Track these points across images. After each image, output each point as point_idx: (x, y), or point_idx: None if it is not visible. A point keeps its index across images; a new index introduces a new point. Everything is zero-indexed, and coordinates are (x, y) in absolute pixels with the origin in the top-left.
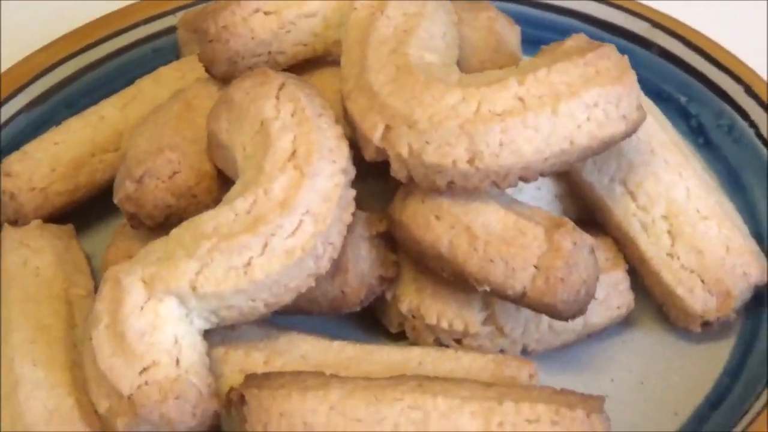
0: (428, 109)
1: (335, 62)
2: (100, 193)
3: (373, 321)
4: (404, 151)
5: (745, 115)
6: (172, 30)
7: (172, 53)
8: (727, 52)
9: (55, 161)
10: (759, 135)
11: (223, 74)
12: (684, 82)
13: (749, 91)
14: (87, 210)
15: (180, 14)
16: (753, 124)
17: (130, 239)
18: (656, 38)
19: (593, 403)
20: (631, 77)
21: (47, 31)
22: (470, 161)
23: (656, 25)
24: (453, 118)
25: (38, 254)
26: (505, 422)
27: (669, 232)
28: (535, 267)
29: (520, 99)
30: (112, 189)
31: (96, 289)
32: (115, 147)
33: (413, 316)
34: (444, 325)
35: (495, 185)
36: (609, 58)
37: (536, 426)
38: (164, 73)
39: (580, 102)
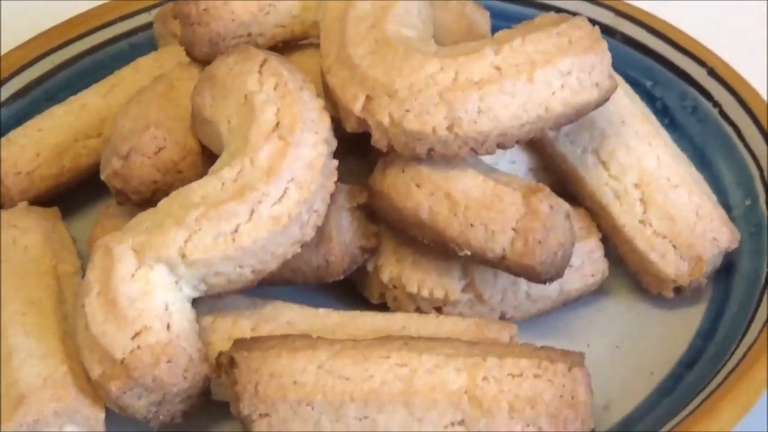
0: (408, 78)
1: (313, 45)
2: (83, 179)
3: (354, 294)
4: (385, 120)
5: (708, 96)
6: (148, 26)
7: (149, 48)
8: (690, 37)
9: (40, 146)
10: (722, 113)
11: (205, 56)
12: (649, 67)
13: (712, 72)
14: (71, 196)
15: (155, 11)
16: (716, 104)
17: (115, 218)
18: (621, 26)
19: (574, 358)
20: (603, 46)
21: (26, 28)
22: (449, 128)
23: (620, 14)
24: (432, 86)
25: (26, 233)
26: (489, 377)
27: (641, 199)
28: (514, 230)
29: (497, 68)
30: (96, 174)
31: (83, 267)
32: (98, 132)
33: (394, 286)
34: (424, 293)
35: (473, 152)
36: (581, 28)
37: (519, 380)
38: (143, 62)
39: (554, 70)
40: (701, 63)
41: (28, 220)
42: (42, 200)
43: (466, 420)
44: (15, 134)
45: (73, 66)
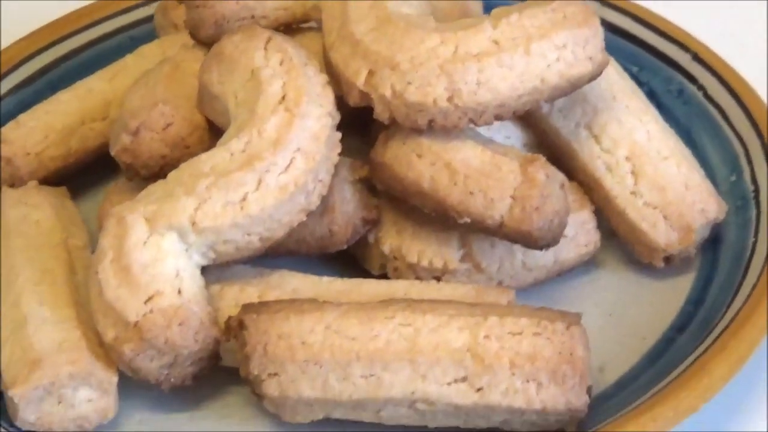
0: (409, 52)
1: (313, 28)
2: (90, 160)
3: (355, 266)
4: (387, 93)
5: (693, 79)
6: (148, 19)
7: (149, 40)
8: (673, 25)
9: (48, 128)
10: (706, 96)
11: (210, 38)
12: (635, 54)
13: (696, 57)
14: (79, 177)
15: (155, 5)
16: (701, 87)
17: (123, 195)
18: (607, 16)
19: (571, 318)
20: (596, 21)
21: (29, 22)
22: (450, 99)
23: (605, 4)
24: (433, 59)
25: (37, 209)
26: (491, 335)
27: (632, 172)
28: (512, 198)
29: (495, 41)
30: (103, 155)
31: (92, 242)
32: (104, 116)
33: (395, 257)
34: (424, 263)
35: (472, 122)
36: (575, 4)
37: (520, 338)
38: (146, 49)
39: (550, 43)
40: (685, 48)
41: (38, 197)
42: (51, 180)
43: (468, 376)
44: (24, 117)
45: (75, 57)
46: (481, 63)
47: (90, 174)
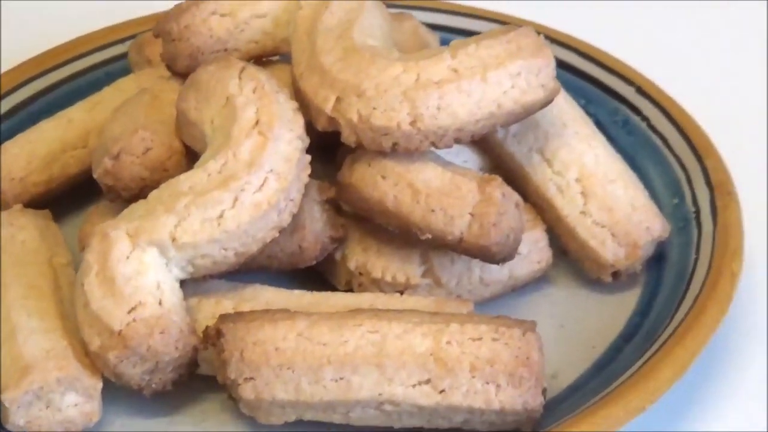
0: (374, 79)
1: (282, 60)
2: (71, 185)
3: (322, 282)
4: (354, 117)
5: (637, 111)
6: (122, 57)
7: (124, 75)
8: (618, 60)
9: (31, 156)
10: (650, 126)
11: (185, 69)
12: (582, 88)
13: (640, 90)
14: (61, 201)
15: (128, 43)
16: (645, 118)
17: (104, 217)
18: (556, 53)
19: (527, 325)
20: (548, 52)
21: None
22: (412, 123)
23: (554, 41)
24: (396, 86)
25: (23, 230)
26: (452, 340)
27: (582, 193)
28: (471, 215)
29: (454, 70)
30: (83, 181)
31: (74, 261)
32: (84, 144)
33: (360, 273)
34: (388, 278)
35: (433, 145)
36: (528, 36)
37: (479, 343)
38: (123, 83)
39: (505, 72)
40: (629, 82)
41: (24, 219)
42: (34, 204)
43: (432, 379)
44: (8, 144)
45: (53, 92)
46: (441, 89)
47: (70, 199)
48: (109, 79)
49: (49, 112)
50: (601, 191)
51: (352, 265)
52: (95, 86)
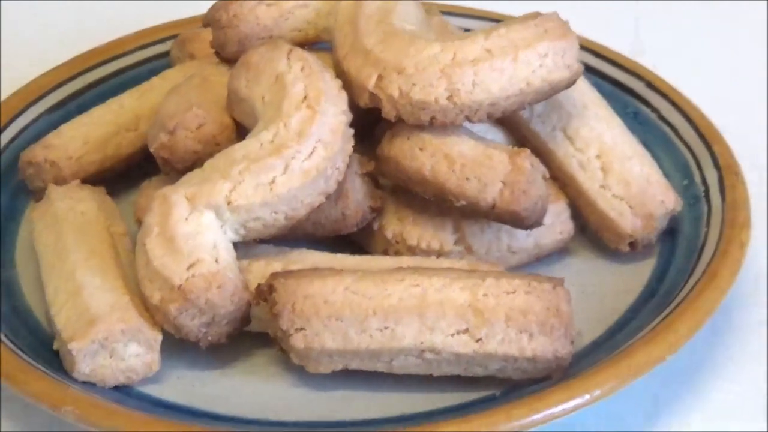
0: (413, 58)
1: (322, 49)
2: (123, 166)
3: (360, 251)
4: (395, 93)
5: (647, 103)
6: (162, 55)
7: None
8: (629, 59)
9: (86, 136)
10: (660, 117)
11: (233, 55)
12: (596, 84)
13: (650, 85)
14: (113, 181)
15: (169, 42)
16: (654, 109)
17: (157, 190)
18: None
19: (556, 280)
20: (573, 35)
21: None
22: (449, 98)
23: None
24: (434, 64)
25: (81, 202)
26: (489, 293)
27: (602, 168)
28: (502, 182)
29: (487, 50)
30: (133, 163)
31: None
32: (135, 127)
33: (396, 242)
34: (423, 245)
35: (468, 119)
36: (554, 20)
37: (513, 295)
38: (169, 73)
39: (534, 52)
40: (639, 78)
41: (82, 193)
42: (89, 182)
43: (470, 328)
44: (65, 127)
45: (101, 86)
46: (476, 67)
47: (122, 178)
48: (151, 74)
49: (95, 105)
50: (618, 167)
51: (389, 234)
52: (138, 81)
